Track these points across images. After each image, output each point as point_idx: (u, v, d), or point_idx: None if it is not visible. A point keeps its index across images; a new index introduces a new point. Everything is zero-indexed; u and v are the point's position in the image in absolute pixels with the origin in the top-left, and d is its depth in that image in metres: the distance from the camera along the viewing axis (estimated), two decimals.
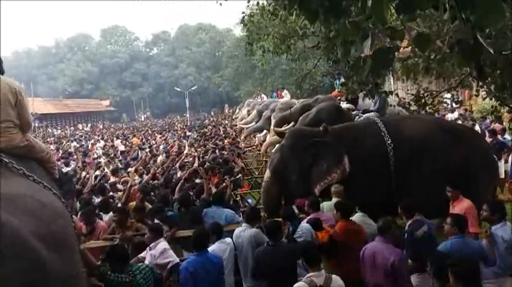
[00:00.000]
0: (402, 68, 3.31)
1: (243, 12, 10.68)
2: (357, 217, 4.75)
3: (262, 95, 26.27)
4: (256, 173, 10.87)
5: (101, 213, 5.99)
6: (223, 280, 4.25)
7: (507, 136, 8.84)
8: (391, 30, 2.35)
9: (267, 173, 6.04)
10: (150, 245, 4.47)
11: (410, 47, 4.53)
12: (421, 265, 4.02)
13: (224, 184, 6.63)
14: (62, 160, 12.55)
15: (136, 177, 7.95)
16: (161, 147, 14.98)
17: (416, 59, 4.41)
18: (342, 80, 9.55)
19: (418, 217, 4.53)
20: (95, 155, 14.57)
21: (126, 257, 3.85)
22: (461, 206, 4.75)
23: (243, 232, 4.59)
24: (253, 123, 15.15)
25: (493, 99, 6.00)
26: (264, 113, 13.95)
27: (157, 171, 8.74)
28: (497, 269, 3.88)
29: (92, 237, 5.31)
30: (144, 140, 19.95)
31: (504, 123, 8.63)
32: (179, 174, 8.32)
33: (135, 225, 5.36)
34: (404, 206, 4.56)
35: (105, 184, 7.67)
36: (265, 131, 13.41)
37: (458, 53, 2.03)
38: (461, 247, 3.89)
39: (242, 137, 16.62)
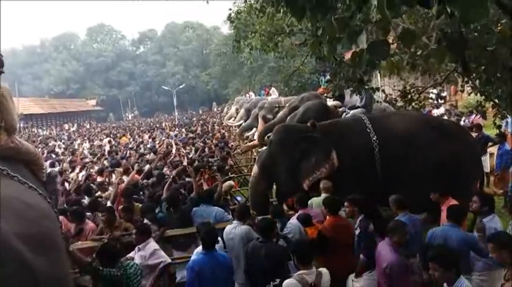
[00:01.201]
0: (387, 64, 3.33)
1: (230, 9, 10.66)
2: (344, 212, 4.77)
3: (250, 93, 26.25)
4: (246, 171, 10.86)
5: (90, 213, 5.94)
6: (232, 280, 4.20)
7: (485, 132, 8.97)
8: (382, 24, 2.36)
9: (255, 169, 6.04)
10: (139, 246, 4.44)
11: (395, 44, 4.58)
12: (373, 263, 4.09)
13: (216, 182, 6.63)
14: (48, 161, 12.40)
15: (124, 177, 7.88)
16: (148, 146, 14.87)
17: (402, 55, 4.45)
18: (328, 77, 9.60)
19: (404, 212, 4.60)
20: (80, 156, 14.40)
21: (117, 255, 3.88)
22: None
23: (234, 229, 4.57)
24: (242, 121, 15.12)
25: (478, 94, 6.08)
26: (252, 112, 13.95)
27: (145, 170, 8.66)
28: (489, 261, 3.92)
29: (81, 238, 5.26)
30: (131, 139, 19.81)
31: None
32: (168, 172, 8.28)
33: (123, 225, 5.32)
34: (395, 201, 4.66)
35: (91, 184, 7.60)
36: (254, 129, 13.40)
37: (446, 47, 2.05)
38: (449, 234, 4.00)
39: (234, 137, 16.57)
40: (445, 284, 3.03)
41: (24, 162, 2.80)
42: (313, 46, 3.36)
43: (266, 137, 7.87)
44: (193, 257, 4.20)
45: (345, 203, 4.60)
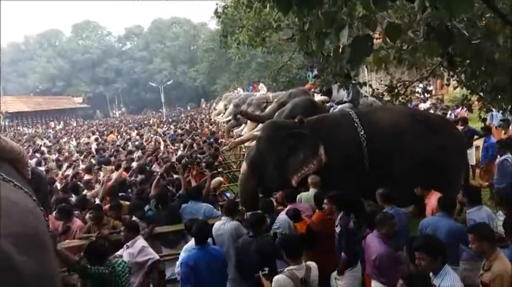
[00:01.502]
0: (374, 59, 3.35)
1: (217, 4, 10.61)
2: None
3: (239, 88, 26.19)
4: (235, 167, 10.85)
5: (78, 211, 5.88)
6: (226, 274, 4.18)
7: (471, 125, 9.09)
8: (367, 19, 2.37)
9: (244, 166, 6.03)
10: (127, 244, 4.42)
11: (381, 38, 4.59)
12: (354, 260, 4.16)
13: (204, 178, 6.62)
14: (34, 159, 12.24)
15: (113, 174, 7.83)
16: (136, 143, 14.75)
17: (388, 50, 4.47)
18: (315, 72, 9.62)
19: (390, 206, 4.67)
20: (67, 154, 14.25)
21: (105, 253, 3.85)
22: (432, 202, 4.79)
23: (224, 225, 4.57)
24: (230, 117, 15.08)
25: (464, 88, 6.14)
26: (241, 108, 13.91)
27: (133, 168, 8.60)
28: (472, 252, 3.98)
29: (68, 236, 5.22)
30: (119, 136, 19.66)
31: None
32: (157, 169, 8.25)
33: (111, 223, 5.28)
34: (381, 195, 4.74)
35: (78, 182, 7.52)
36: (242, 126, 13.38)
37: (434, 39, 2.06)
38: (439, 224, 4.09)
39: (223, 133, 16.52)
40: (431, 274, 3.07)
41: (8, 160, 2.75)
42: (300, 41, 3.36)
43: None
44: (184, 253, 4.19)
45: (324, 200, 4.60)
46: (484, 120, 6.77)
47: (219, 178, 7.17)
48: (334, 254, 4.45)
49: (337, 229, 4.29)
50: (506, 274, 3.15)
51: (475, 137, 8.83)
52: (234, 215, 4.70)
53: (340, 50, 2.18)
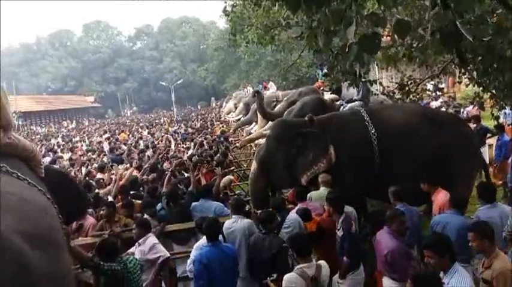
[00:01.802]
0: (383, 56, 3.33)
1: (225, 2, 10.63)
2: None
3: (248, 87, 26.19)
4: (245, 166, 10.88)
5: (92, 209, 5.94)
6: (237, 271, 4.19)
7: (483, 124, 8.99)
8: (375, 16, 2.36)
9: (254, 165, 6.04)
10: (139, 241, 4.46)
11: (390, 36, 4.57)
12: (356, 263, 4.13)
13: (215, 176, 6.65)
14: (47, 158, 12.41)
15: (126, 172, 7.90)
16: (147, 142, 14.83)
17: (398, 47, 4.44)
18: (325, 71, 9.58)
19: (402, 204, 4.66)
20: (80, 153, 14.40)
21: (116, 250, 3.89)
22: (439, 199, 4.78)
23: (235, 223, 4.55)
24: (241, 116, 15.10)
25: (476, 85, 6.08)
26: (252, 106, 13.91)
27: (145, 166, 8.67)
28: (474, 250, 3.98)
29: (81, 233, 5.27)
30: (130, 135, 19.82)
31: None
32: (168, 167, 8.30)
33: (123, 220, 5.34)
34: (393, 193, 4.75)
35: (91, 181, 7.60)
36: (253, 124, 13.38)
37: (440, 39, 2.05)
38: (450, 221, 4.09)
39: (231, 131, 16.58)
40: (441, 273, 3.06)
41: (21, 158, 2.81)
42: (309, 39, 3.35)
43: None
44: (196, 251, 4.20)
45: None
46: (496, 118, 6.70)
47: (230, 176, 7.18)
48: None
49: (339, 233, 4.22)
50: (508, 271, 3.17)
51: (488, 135, 8.73)
52: (241, 212, 4.68)
53: (347, 47, 2.17)
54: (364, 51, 2.11)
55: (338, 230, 4.27)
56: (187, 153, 10.35)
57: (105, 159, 11.33)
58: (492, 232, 3.37)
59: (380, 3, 2.24)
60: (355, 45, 2.13)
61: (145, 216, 5.34)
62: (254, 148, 10.70)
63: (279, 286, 3.52)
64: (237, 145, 12.28)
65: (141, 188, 7.14)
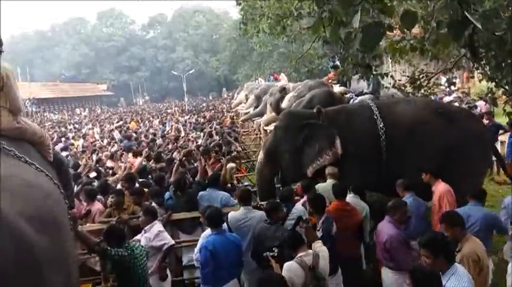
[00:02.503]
0: (389, 47, 3.28)
1: None
2: (348, 198, 4.78)
3: (260, 78, 26.11)
4: (254, 157, 10.90)
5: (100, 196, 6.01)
6: (241, 262, 4.18)
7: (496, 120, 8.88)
8: (383, 4, 2.33)
9: (261, 154, 6.06)
10: (145, 228, 4.51)
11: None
12: (335, 267, 4.04)
13: (220, 164, 6.66)
14: (60, 144, 12.56)
15: (137, 160, 7.97)
16: (155, 132, 14.90)
17: (408, 40, 4.37)
18: (336, 62, 9.49)
19: (410, 193, 4.74)
20: (91, 140, 14.54)
21: (123, 236, 3.93)
22: (439, 189, 4.77)
23: (248, 215, 4.47)
24: (251, 108, 15.05)
25: (489, 81, 5.97)
26: (263, 98, 13.86)
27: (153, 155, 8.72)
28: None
29: (88, 220, 5.34)
30: (142, 124, 19.95)
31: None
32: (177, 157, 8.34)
33: (131, 208, 5.39)
34: (401, 183, 4.84)
35: (100, 168, 7.68)
36: (264, 116, 13.35)
37: (447, 30, 2.01)
38: (472, 213, 4.14)
39: (240, 122, 16.59)
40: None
41: (31, 143, 2.85)
42: (315, 28, 3.31)
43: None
44: (203, 239, 4.23)
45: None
46: (509, 114, 6.56)
47: (231, 164, 7.14)
48: (352, 243, 4.46)
49: (319, 234, 4.10)
50: (474, 254, 3.31)
51: (500, 131, 8.61)
52: (249, 204, 4.68)
53: (353, 35, 2.14)
54: (368, 40, 2.07)
55: (318, 230, 4.15)
56: (196, 143, 10.39)
57: (115, 147, 11.41)
58: (462, 220, 3.55)
59: None
60: (360, 33, 2.10)
61: (153, 204, 5.39)
62: (264, 139, 10.71)
63: (280, 260, 3.53)
64: (245, 136, 12.27)
65: (149, 176, 7.19)
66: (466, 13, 1.85)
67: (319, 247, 3.60)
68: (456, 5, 1.78)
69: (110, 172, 7.77)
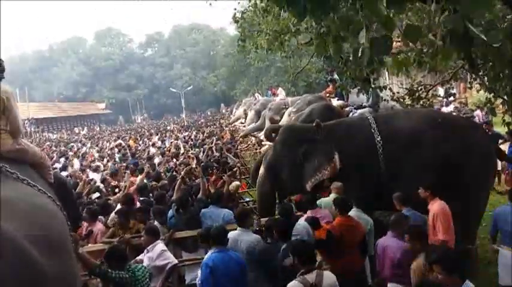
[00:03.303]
0: (393, 61, 3.30)
1: (235, 9, 10.69)
2: (352, 212, 4.75)
3: (256, 94, 26.18)
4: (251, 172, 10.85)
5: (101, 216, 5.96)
6: (246, 281, 4.07)
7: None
8: (386, 18, 2.35)
9: (261, 169, 6.05)
10: (148, 248, 4.47)
11: (401, 41, 4.54)
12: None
13: (222, 180, 6.64)
14: (58, 165, 12.52)
15: (137, 179, 7.94)
16: (154, 150, 14.84)
17: (408, 53, 4.40)
18: (335, 76, 9.55)
19: (407, 208, 4.72)
20: (90, 159, 14.52)
21: (125, 257, 3.89)
22: (433, 209, 4.67)
23: (242, 235, 4.42)
24: (252, 124, 15.04)
25: (487, 91, 5.99)
26: (262, 113, 13.88)
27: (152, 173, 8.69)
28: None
29: (90, 240, 5.29)
30: (141, 142, 19.93)
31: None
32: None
33: (136, 226, 5.35)
34: (398, 197, 4.82)
35: (100, 187, 7.65)
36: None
37: (450, 44, 2.03)
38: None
39: (239, 137, 16.57)
40: None
41: (31, 165, 2.84)
42: (318, 46, 3.35)
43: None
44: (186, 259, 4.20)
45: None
46: (508, 124, 6.56)
47: (237, 182, 7.16)
48: (357, 258, 4.42)
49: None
50: (418, 267, 3.54)
51: (500, 141, 8.61)
52: (246, 223, 4.60)
53: (360, 51, 2.14)
54: (377, 53, 2.09)
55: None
56: (197, 159, 10.37)
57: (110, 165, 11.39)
58: (425, 235, 3.94)
59: (388, 8, 2.22)
60: (367, 49, 2.10)
61: (156, 223, 5.35)
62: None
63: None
64: (244, 152, 12.26)
65: (150, 194, 7.15)
66: (470, 26, 1.86)
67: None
68: (459, 19, 1.79)
69: (116, 190, 7.72)
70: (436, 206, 4.64)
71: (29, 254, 1.76)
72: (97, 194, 7.39)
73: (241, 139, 16.42)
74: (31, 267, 1.76)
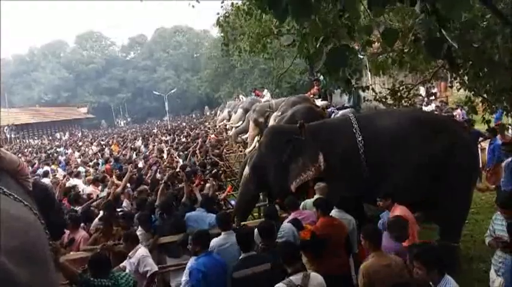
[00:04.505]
0: (372, 64, 3.32)
1: (218, 13, 10.66)
2: (333, 213, 4.75)
3: (240, 96, 26.17)
4: (239, 175, 10.81)
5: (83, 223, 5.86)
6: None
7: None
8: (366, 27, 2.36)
9: (246, 170, 6.03)
10: (129, 254, 4.41)
11: (379, 43, 4.57)
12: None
13: (208, 185, 6.60)
14: (41, 170, 12.30)
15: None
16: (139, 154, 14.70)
17: (389, 54, 4.44)
18: (320, 76, 9.59)
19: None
20: (73, 165, 14.28)
21: (108, 265, 3.84)
22: (396, 213, 4.48)
23: (229, 238, 4.36)
24: (241, 122, 14.98)
25: (467, 90, 6.09)
26: (246, 115, 13.84)
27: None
28: None
29: (72, 248, 5.19)
30: (124, 146, 19.70)
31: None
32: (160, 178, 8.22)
33: (119, 233, 5.26)
34: (386, 196, 4.73)
35: (80, 193, 7.53)
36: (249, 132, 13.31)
37: (424, 46, 2.04)
38: None
39: (233, 139, 16.46)
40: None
41: (8, 172, 2.76)
42: (299, 48, 3.35)
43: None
44: (192, 262, 4.14)
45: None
46: (487, 122, 6.67)
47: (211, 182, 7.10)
48: (343, 258, 4.41)
49: None
50: (365, 269, 3.54)
51: (480, 139, 8.75)
52: (230, 228, 4.58)
53: (317, 63, 2.16)
54: (332, 63, 2.12)
55: None
56: (181, 163, 10.29)
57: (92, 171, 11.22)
58: (377, 235, 3.76)
59: (370, 10, 2.23)
60: (325, 55, 2.14)
61: (139, 229, 5.28)
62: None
63: None
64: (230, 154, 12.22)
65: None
66: (443, 30, 1.88)
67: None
68: (434, 21, 1.80)
69: (94, 196, 7.60)
70: (398, 211, 4.54)
71: (3, 266, 1.71)
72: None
73: (226, 141, 16.36)
74: (6, 279, 1.71)
